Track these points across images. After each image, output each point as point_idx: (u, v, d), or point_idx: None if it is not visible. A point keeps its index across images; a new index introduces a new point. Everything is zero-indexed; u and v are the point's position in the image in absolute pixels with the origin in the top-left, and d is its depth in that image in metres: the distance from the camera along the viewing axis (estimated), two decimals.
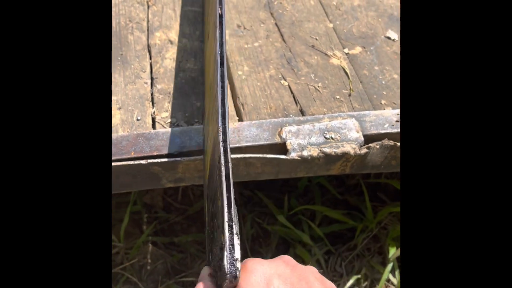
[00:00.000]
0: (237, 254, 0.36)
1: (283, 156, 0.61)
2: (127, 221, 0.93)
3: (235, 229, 0.38)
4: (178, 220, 1.04)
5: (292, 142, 0.62)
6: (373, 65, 0.77)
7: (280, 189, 1.07)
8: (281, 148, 0.63)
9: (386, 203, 1.02)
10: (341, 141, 0.63)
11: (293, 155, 0.61)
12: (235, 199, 0.41)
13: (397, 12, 0.87)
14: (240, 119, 0.67)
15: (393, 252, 0.90)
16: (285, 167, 0.63)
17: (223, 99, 0.53)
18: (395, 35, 0.83)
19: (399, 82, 0.74)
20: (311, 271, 0.37)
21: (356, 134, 0.64)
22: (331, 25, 0.84)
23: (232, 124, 0.64)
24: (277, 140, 0.63)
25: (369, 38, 0.82)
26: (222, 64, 0.58)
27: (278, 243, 0.99)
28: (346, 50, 0.80)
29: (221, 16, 0.67)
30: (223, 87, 0.55)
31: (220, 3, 0.69)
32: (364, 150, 0.63)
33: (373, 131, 0.65)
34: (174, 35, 0.80)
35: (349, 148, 0.62)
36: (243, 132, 0.63)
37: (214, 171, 0.45)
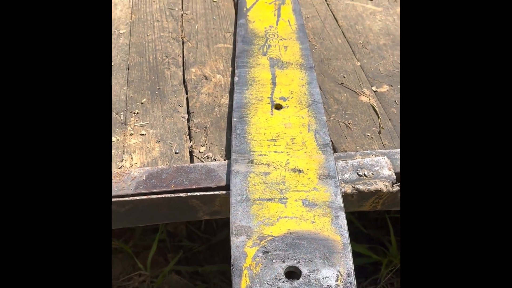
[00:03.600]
0: None
1: None
2: (154, 249, 0.94)
3: None
4: (202, 249, 1.05)
5: None
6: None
7: None
8: None
9: None
10: (374, 179, 0.64)
11: None
12: None
13: None
14: None
15: None
16: None
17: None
18: None
19: None
20: None
21: (388, 172, 0.65)
22: (358, 64, 0.87)
23: None
24: None
25: (395, 76, 0.85)
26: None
27: None
28: (374, 88, 0.82)
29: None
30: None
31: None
32: (396, 188, 0.64)
33: None
34: (208, 70, 0.83)
35: (382, 185, 0.64)
36: None
37: None
